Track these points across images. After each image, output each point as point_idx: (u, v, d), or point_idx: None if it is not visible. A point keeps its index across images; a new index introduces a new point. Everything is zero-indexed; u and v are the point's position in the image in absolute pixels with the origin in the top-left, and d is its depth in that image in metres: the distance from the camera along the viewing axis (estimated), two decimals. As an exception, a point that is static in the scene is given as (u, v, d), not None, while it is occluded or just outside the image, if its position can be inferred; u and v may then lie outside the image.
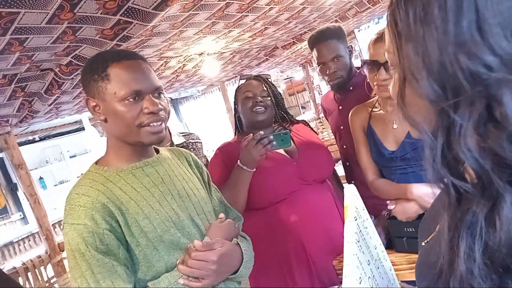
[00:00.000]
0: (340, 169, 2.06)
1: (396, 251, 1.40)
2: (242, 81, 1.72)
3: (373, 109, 1.53)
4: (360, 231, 0.66)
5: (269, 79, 1.71)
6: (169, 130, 1.79)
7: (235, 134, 1.80)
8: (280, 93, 1.73)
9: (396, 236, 1.39)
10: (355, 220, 0.65)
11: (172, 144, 1.74)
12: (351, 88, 1.85)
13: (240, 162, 1.47)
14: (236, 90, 1.72)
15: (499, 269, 0.36)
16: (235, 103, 1.72)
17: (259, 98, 1.60)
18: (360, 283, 0.56)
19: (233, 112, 1.76)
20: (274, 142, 1.46)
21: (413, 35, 0.40)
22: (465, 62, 0.36)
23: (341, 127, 1.92)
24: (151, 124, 1.02)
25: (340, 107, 1.93)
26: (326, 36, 1.79)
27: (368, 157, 1.53)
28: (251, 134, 1.46)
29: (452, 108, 0.38)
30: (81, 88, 2.14)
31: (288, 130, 1.51)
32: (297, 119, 1.80)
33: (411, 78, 0.41)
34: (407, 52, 0.41)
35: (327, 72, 1.82)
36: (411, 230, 1.34)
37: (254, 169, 1.46)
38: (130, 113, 0.99)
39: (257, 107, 1.59)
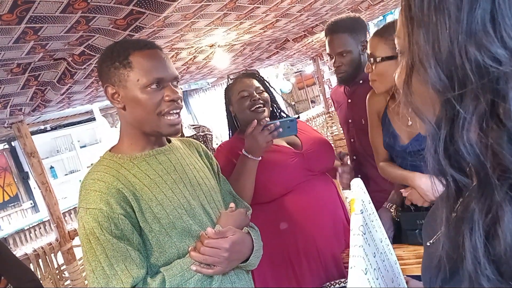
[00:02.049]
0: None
1: (409, 244, 1.40)
2: (231, 81, 1.67)
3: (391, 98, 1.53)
4: (366, 224, 0.66)
5: (258, 75, 1.68)
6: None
7: (230, 136, 1.75)
8: (270, 85, 1.70)
9: (408, 228, 1.39)
10: (362, 213, 0.65)
11: (182, 136, 1.75)
12: (361, 81, 1.84)
13: (245, 150, 1.42)
14: (226, 90, 1.67)
15: (506, 273, 0.35)
16: (228, 103, 1.66)
17: (256, 95, 1.56)
18: (365, 273, 0.56)
19: (226, 113, 1.69)
20: (281, 129, 1.41)
21: (425, 21, 0.38)
22: (474, 53, 0.34)
23: (350, 121, 1.91)
24: (171, 112, 1.04)
25: (349, 100, 1.92)
26: (338, 28, 1.78)
27: (381, 141, 1.53)
28: (256, 121, 1.42)
29: (457, 99, 0.37)
30: (93, 78, 2.16)
31: (294, 117, 1.48)
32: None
33: (419, 65, 0.40)
34: (417, 39, 0.40)
35: (333, 65, 1.83)
36: (423, 222, 1.34)
37: (260, 158, 1.42)
38: (152, 100, 1.02)
39: (257, 105, 1.55)
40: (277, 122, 1.42)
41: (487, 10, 0.34)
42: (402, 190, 1.41)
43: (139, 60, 1.01)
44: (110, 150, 1.10)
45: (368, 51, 1.45)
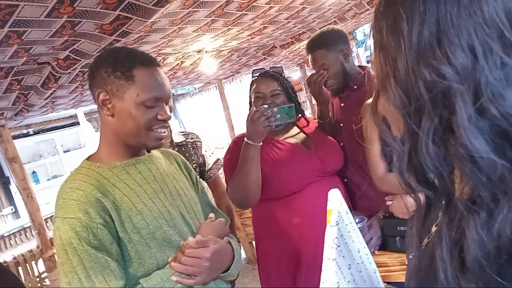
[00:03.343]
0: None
1: (388, 250, 1.41)
2: (254, 78, 1.70)
3: None
4: (342, 235, 0.66)
5: (281, 73, 1.70)
6: (169, 129, 1.78)
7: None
8: (293, 87, 1.72)
9: (389, 235, 1.40)
10: (337, 224, 0.65)
11: (172, 142, 1.74)
12: (355, 87, 1.86)
13: (246, 137, 1.47)
14: (250, 84, 1.71)
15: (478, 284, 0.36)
16: (250, 97, 1.71)
17: (269, 99, 1.58)
18: (338, 287, 0.56)
19: (248, 106, 1.75)
20: (278, 115, 1.46)
21: (384, 45, 0.42)
22: (424, 71, 0.38)
23: (341, 125, 1.92)
24: (159, 130, 1.04)
25: (342, 105, 1.93)
26: (313, 47, 1.81)
27: (381, 152, 1.52)
28: (254, 108, 1.47)
29: (415, 115, 0.40)
30: (78, 83, 2.13)
31: (292, 104, 1.52)
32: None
33: (383, 85, 0.44)
34: (380, 61, 0.44)
35: None
36: (404, 229, 1.36)
37: (260, 144, 1.47)
38: (145, 117, 1.01)
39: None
40: (275, 109, 1.47)
41: (433, 31, 0.37)
42: (386, 198, 1.42)
43: (142, 75, 1.00)
44: (87, 159, 1.07)
45: None
